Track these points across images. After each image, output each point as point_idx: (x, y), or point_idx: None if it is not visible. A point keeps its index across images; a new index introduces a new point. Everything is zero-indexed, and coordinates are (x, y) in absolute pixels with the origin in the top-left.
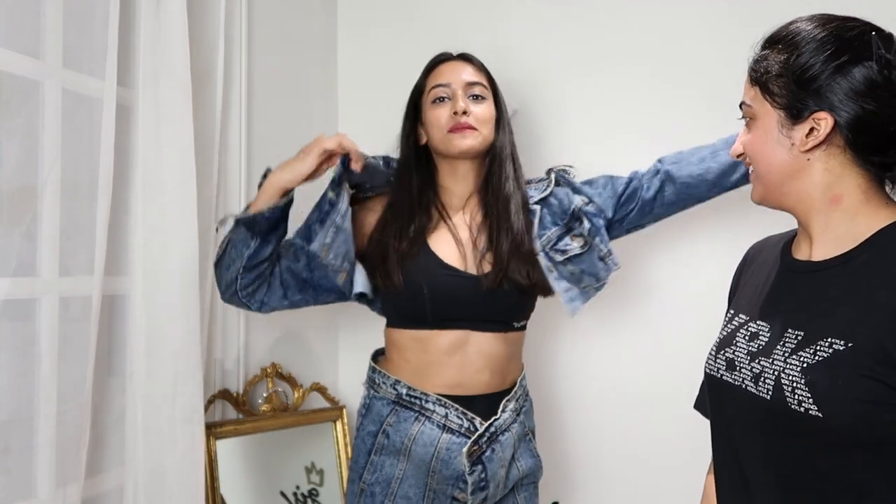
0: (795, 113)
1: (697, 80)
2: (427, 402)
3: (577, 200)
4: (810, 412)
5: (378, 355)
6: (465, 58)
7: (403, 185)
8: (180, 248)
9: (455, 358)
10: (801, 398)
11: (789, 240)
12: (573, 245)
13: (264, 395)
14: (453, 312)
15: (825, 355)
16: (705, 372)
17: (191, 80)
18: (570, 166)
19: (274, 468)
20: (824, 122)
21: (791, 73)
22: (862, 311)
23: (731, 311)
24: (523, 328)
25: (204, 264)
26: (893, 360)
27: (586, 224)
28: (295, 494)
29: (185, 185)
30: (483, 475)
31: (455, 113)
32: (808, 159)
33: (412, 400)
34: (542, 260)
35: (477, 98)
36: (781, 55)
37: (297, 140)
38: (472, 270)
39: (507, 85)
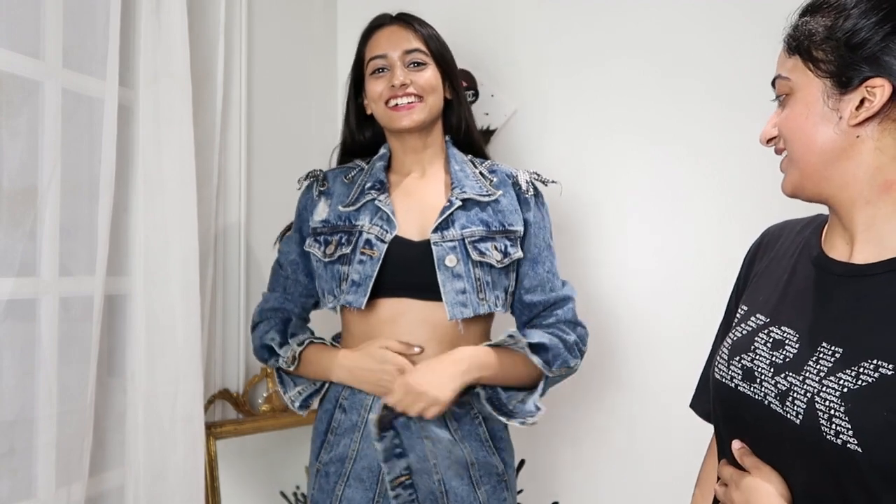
0: (845, 80)
1: (699, 77)
2: None
3: (522, 227)
4: (848, 445)
5: (337, 338)
6: (403, 20)
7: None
8: (180, 248)
9: (395, 328)
10: (838, 428)
11: (816, 229)
12: (493, 254)
13: (264, 395)
14: (389, 279)
15: (870, 380)
16: (714, 378)
17: (191, 80)
18: (554, 181)
19: (274, 468)
20: (880, 90)
21: (840, 35)
22: None
23: (745, 308)
24: (484, 312)
25: (204, 264)
26: None
27: (516, 252)
28: (295, 494)
29: (185, 185)
30: (397, 441)
31: (393, 86)
32: (858, 136)
33: None
34: (450, 252)
35: (417, 65)
36: (826, 19)
37: (297, 140)
38: (414, 237)
39: (507, 84)
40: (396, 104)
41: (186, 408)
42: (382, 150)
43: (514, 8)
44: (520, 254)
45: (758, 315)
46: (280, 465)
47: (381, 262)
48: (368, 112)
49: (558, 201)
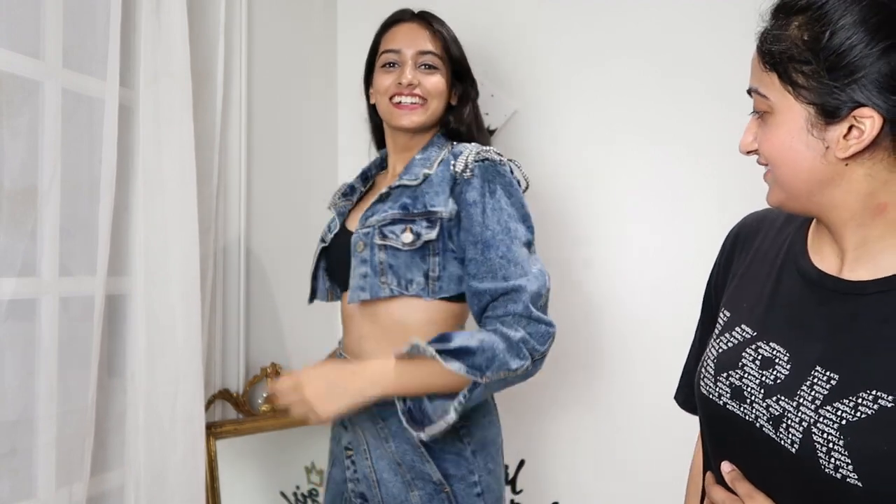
0: (830, 110)
1: (699, 77)
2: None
3: (449, 208)
4: (848, 480)
5: None
6: (424, 18)
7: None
8: (181, 248)
9: (353, 323)
10: (837, 462)
11: (800, 229)
12: (400, 237)
13: (264, 395)
14: (345, 275)
15: (869, 412)
16: (701, 393)
17: (191, 80)
18: (512, 161)
19: (274, 468)
20: (869, 121)
21: (822, 58)
22: None
23: (728, 313)
24: (384, 296)
25: (204, 264)
26: None
27: (428, 234)
28: (295, 494)
29: (185, 185)
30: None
31: (400, 83)
32: (847, 164)
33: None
34: (361, 238)
35: (428, 68)
36: (805, 32)
37: (297, 140)
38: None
39: (507, 84)
40: (400, 102)
41: (186, 408)
42: (378, 156)
43: (514, 8)
44: (431, 235)
45: (743, 326)
46: (280, 465)
47: (315, 263)
48: (371, 102)
49: (558, 201)
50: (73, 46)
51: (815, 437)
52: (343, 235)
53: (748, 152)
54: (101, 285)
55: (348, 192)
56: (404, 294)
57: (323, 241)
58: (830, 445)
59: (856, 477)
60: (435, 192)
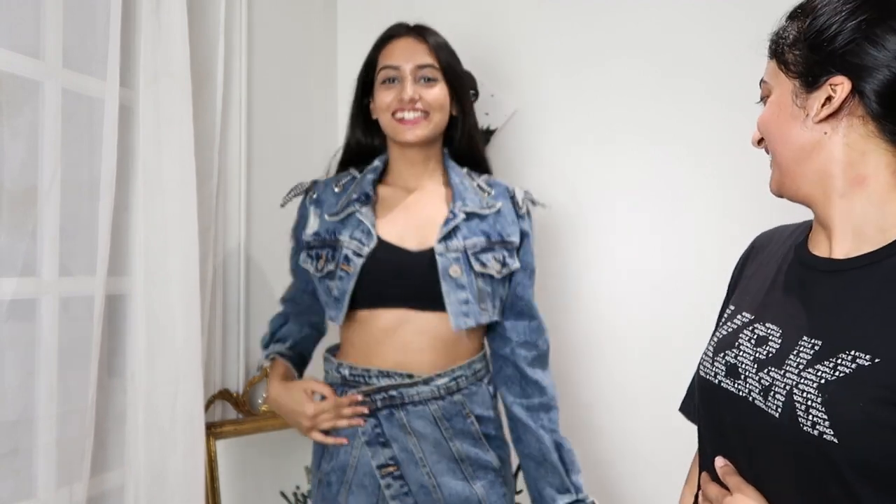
0: (811, 80)
1: (699, 77)
2: (370, 376)
3: (517, 239)
4: (825, 436)
5: (335, 349)
6: (419, 32)
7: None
8: (181, 248)
9: (395, 337)
10: (815, 419)
11: (804, 232)
12: (493, 265)
13: (264, 395)
14: (389, 290)
15: (847, 371)
16: (699, 375)
17: (191, 80)
18: (542, 205)
19: (274, 468)
20: (840, 87)
21: (806, 37)
22: (891, 324)
23: (732, 308)
24: (485, 322)
25: (204, 264)
26: None
27: (513, 263)
28: (295, 494)
29: (185, 185)
30: (379, 430)
31: (402, 99)
32: (825, 132)
33: (356, 378)
34: (454, 262)
35: (428, 80)
36: (799, 22)
37: (297, 140)
38: (412, 248)
39: (507, 84)
40: (402, 117)
41: (186, 408)
42: (376, 163)
43: (514, 8)
44: (517, 264)
45: (743, 314)
46: (280, 465)
47: (356, 276)
48: (374, 117)
49: (558, 202)
50: (73, 46)
51: (795, 398)
52: (389, 250)
53: (759, 142)
54: (101, 285)
55: (364, 199)
56: (492, 319)
57: (358, 254)
58: (809, 403)
59: (832, 433)
60: (507, 222)
